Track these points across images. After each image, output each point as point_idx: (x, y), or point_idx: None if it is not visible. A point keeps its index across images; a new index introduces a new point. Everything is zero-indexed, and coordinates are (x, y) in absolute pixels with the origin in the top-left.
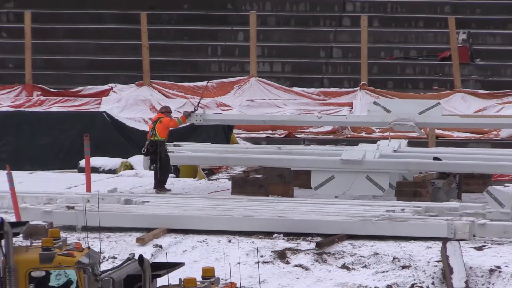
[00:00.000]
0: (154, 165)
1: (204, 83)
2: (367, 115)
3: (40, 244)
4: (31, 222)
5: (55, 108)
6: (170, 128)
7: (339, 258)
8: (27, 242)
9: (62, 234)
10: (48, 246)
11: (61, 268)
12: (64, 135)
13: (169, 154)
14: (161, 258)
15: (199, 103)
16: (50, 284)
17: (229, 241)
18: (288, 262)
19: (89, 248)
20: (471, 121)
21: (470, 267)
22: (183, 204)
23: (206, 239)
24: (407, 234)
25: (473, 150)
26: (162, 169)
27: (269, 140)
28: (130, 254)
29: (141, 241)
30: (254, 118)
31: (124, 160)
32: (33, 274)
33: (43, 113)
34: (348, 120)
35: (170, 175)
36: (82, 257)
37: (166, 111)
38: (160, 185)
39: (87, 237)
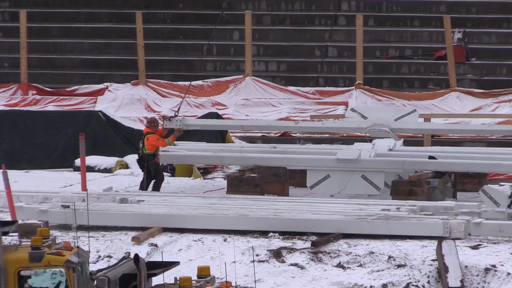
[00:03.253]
0: (143, 173)
1: (187, 83)
2: (343, 121)
3: (30, 243)
4: (26, 221)
5: (50, 107)
6: None
7: (334, 257)
8: (23, 241)
9: (58, 233)
10: (38, 245)
11: (51, 267)
12: (59, 134)
13: (159, 163)
14: (156, 257)
15: (179, 108)
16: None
17: (225, 240)
18: (283, 261)
19: (78, 247)
20: (447, 127)
21: (466, 266)
22: (179, 203)
23: (201, 238)
24: (403, 233)
25: (469, 149)
26: (149, 179)
27: (265, 139)
28: (125, 253)
29: (136, 240)
30: (232, 123)
31: (120, 159)
32: (22, 273)
33: (39, 112)
34: (325, 125)
35: (166, 174)
36: (72, 256)
37: (151, 125)
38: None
39: (77, 236)
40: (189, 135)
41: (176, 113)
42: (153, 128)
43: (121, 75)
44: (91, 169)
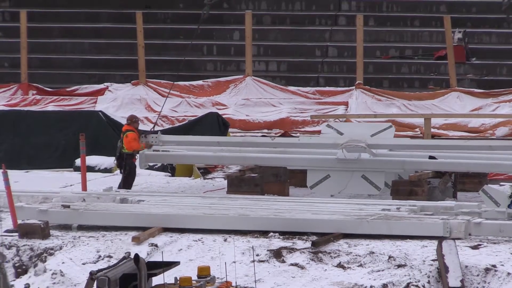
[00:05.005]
0: (121, 171)
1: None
2: (320, 137)
3: None
4: (26, 221)
5: (50, 107)
6: None
7: (334, 257)
8: (23, 241)
9: (58, 233)
10: None
11: None
12: (59, 134)
13: (135, 164)
14: (156, 257)
15: (155, 123)
16: None
17: (225, 240)
18: (283, 261)
19: None
20: (422, 143)
21: (466, 266)
22: (179, 203)
23: (201, 238)
24: (403, 233)
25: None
26: (125, 179)
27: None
28: (125, 253)
29: (136, 240)
30: (208, 139)
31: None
32: None
33: (39, 112)
34: (301, 141)
35: (166, 174)
36: None
37: (132, 121)
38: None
39: (3, 235)
40: (189, 134)
41: (152, 129)
42: (134, 124)
43: (121, 75)
44: (91, 169)
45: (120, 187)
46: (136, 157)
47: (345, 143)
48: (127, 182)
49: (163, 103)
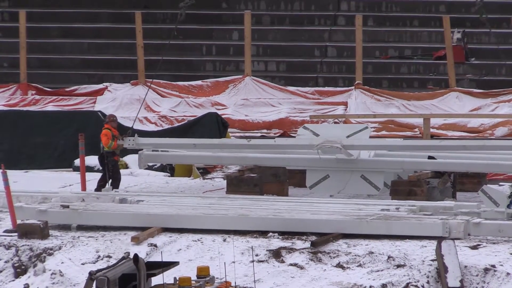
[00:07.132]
0: (102, 170)
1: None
2: (296, 138)
3: None
4: (26, 221)
5: (50, 107)
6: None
7: (334, 257)
8: (23, 241)
9: (57, 233)
10: None
11: None
12: (59, 134)
13: (118, 162)
14: (156, 257)
15: (132, 128)
16: None
17: (224, 240)
18: (283, 261)
19: None
20: (399, 143)
21: (465, 266)
22: (178, 203)
23: (201, 238)
24: (402, 233)
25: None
26: (112, 179)
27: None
28: (125, 253)
29: (136, 240)
30: (185, 141)
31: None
32: None
33: (38, 112)
34: (277, 143)
35: (165, 174)
36: None
37: (110, 120)
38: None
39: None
40: (188, 134)
41: (129, 132)
42: (111, 123)
43: (121, 75)
44: (90, 169)
45: (99, 187)
46: (118, 155)
47: (320, 144)
48: (114, 181)
49: (145, 95)
